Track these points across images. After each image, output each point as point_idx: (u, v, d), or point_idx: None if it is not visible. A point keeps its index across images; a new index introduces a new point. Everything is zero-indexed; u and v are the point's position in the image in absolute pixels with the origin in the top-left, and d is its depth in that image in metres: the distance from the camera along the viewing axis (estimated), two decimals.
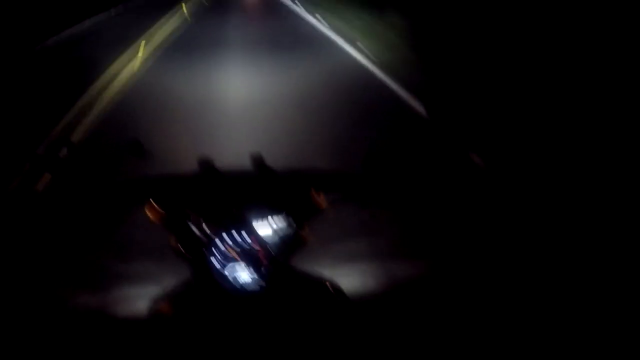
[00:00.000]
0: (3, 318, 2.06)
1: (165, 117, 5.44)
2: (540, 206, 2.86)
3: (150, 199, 1.07)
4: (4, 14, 11.06)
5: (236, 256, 0.97)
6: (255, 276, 0.98)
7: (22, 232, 2.33)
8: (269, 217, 1.05)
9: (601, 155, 3.64)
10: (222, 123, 5.18)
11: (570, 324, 2.05)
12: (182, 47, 9.92)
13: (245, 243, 0.98)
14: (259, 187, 1.09)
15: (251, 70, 7.67)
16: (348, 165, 3.61)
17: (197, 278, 1.06)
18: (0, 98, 6.24)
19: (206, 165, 1.13)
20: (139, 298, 2.30)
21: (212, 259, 0.98)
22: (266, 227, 1.05)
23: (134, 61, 8.41)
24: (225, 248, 0.98)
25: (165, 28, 12.37)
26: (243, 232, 0.99)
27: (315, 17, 11.78)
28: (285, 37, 10.77)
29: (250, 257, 0.97)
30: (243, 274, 0.98)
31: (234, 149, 4.19)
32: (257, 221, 1.04)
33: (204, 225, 1.04)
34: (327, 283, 1.09)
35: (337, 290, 1.08)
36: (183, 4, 15.78)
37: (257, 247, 0.98)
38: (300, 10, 14.35)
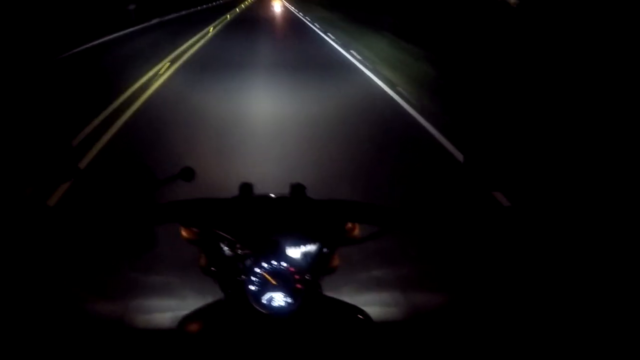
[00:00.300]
0: (24, 325, 2.09)
1: (196, 134, 5.49)
2: (563, 247, 2.81)
3: (184, 218, 1.09)
4: (31, 20, 11.36)
5: (271, 280, 0.99)
6: (289, 300, 0.99)
7: (44, 241, 2.38)
8: (304, 245, 1.07)
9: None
10: (254, 145, 5.18)
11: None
12: (210, 64, 10.15)
13: (280, 268, 0.99)
14: (295, 214, 1.11)
15: (283, 92, 7.75)
16: (380, 194, 3.60)
17: (227, 299, 1.07)
18: (20, 107, 6.26)
19: (243, 189, 1.15)
20: (161, 310, 2.33)
21: (246, 281, 0.99)
22: (299, 253, 1.06)
23: (161, 76, 8.65)
24: (261, 272, 0.99)
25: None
26: (278, 257, 1.00)
27: (350, 53, 11.71)
28: (314, 61, 10.94)
29: (284, 282, 0.99)
30: (277, 297, 0.99)
31: (267, 170, 4.26)
32: (291, 247, 1.06)
33: (238, 248, 1.05)
34: (357, 310, 1.08)
35: (366, 317, 1.07)
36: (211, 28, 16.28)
37: (291, 272, 0.99)
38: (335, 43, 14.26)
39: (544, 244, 2.65)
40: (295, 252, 1.06)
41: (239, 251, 1.05)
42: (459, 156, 4.75)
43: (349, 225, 1.10)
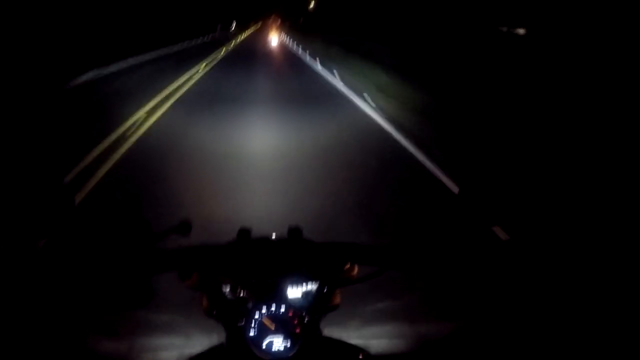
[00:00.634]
0: None
1: (192, 174, 5.37)
2: (563, 279, 2.80)
3: (183, 266, 1.09)
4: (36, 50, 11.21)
5: (270, 325, 1.01)
6: (288, 344, 1.01)
7: (39, 283, 2.37)
8: (303, 285, 1.09)
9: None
10: (251, 183, 5.11)
11: None
12: (209, 99, 10.20)
13: (280, 313, 1.02)
14: (295, 256, 1.12)
15: (279, 128, 7.73)
16: (379, 231, 3.57)
17: (228, 340, 1.08)
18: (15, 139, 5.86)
19: (241, 234, 1.16)
20: (166, 348, 2.32)
21: (246, 327, 1.02)
22: (299, 295, 1.08)
23: (159, 110, 8.70)
24: (260, 316, 1.02)
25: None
26: (278, 302, 1.03)
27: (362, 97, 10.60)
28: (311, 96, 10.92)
29: (283, 326, 1.01)
30: (276, 342, 1.01)
31: (265, 210, 4.23)
32: (291, 289, 1.08)
33: (239, 291, 1.07)
34: (358, 350, 1.09)
35: (367, 356, 1.08)
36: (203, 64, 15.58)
37: (291, 316, 1.01)
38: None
39: (545, 276, 2.65)
40: (296, 292, 1.08)
41: (241, 294, 1.07)
42: None
43: (348, 265, 1.12)
